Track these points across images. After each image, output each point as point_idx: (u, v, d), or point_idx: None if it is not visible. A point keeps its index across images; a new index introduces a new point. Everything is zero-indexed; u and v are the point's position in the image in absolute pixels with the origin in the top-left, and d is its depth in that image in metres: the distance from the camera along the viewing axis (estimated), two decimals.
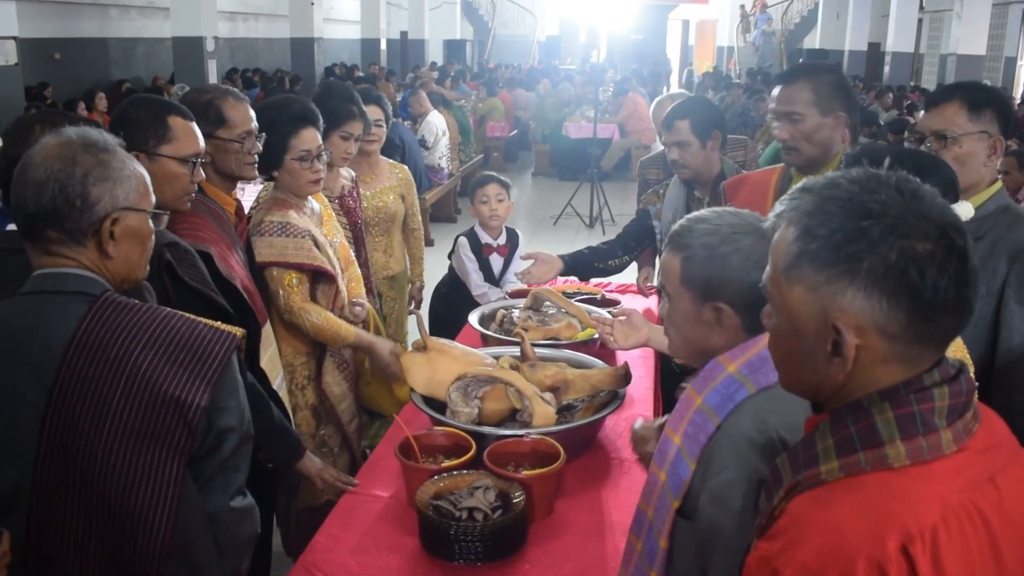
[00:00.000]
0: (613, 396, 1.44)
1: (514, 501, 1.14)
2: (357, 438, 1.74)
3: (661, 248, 2.00)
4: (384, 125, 2.15)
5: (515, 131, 8.24)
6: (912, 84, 9.94)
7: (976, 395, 0.61)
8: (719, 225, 0.83)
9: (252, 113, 1.45)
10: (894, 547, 0.53)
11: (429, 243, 4.62)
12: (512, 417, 1.39)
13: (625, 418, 1.52)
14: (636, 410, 1.57)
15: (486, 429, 1.33)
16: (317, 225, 1.67)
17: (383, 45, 11.29)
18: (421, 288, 2.37)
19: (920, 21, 11.29)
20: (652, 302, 2.30)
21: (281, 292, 1.57)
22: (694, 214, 0.87)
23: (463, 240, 2.19)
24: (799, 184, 0.63)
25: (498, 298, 2.07)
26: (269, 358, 1.44)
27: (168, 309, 0.91)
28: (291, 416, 1.47)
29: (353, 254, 1.85)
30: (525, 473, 1.21)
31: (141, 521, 0.85)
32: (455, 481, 1.19)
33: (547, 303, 1.85)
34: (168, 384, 0.85)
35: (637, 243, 2.12)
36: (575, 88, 8.27)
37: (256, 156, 1.45)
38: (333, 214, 1.83)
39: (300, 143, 1.57)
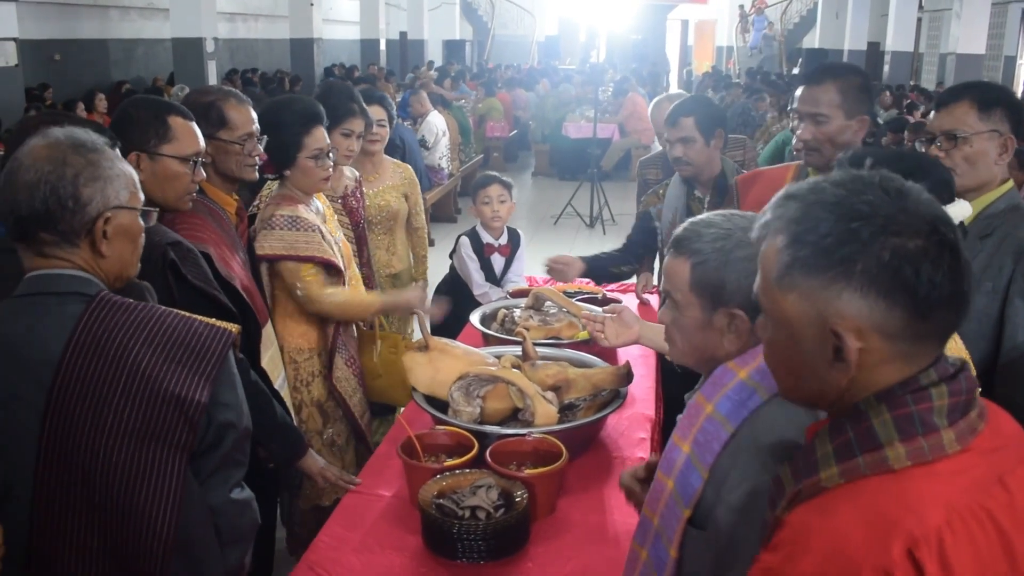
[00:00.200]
0: (615, 395, 1.44)
1: (516, 500, 1.14)
2: (369, 432, 1.75)
3: (663, 249, 2.00)
4: (387, 125, 2.16)
5: (515, 131, 8.25)
6: (911, 83, 9.94)
7: (978, 393, 0.60)
8: (730, 229, 0.81)
9: (254, 115, 1.46)
10: (900, 552, 0.52)
11: (430, 243, 4.62)
12: (514, 416, 1.39)
13: (627, 417, 1.52)
14: (637, 409, 1.57)
15: (488, 428, 1.33)
16: (322, 223, 1.68)
17: (382, 46, 11.29)
18: (425, 287, 2.38)
19: (919, 20, 11.29)
20: (652, 301, 2.31)
21: (299, 285, 1.57)
22: (699, 217, 0.85)
23: (464, 240, 2.20)
24: (782, 192, 0.62)
25: (499, 298, 2.07)
26: (270, 358, 1.44)
27: (163, 307, 0.92)
28: (293, 415, 1.47)
29: (355, 253, 1.86)
30: (527, 472, 1.21)
31: (144, 519, 0.86)
32: (458, 480, 1.19)
33: (548, 303, 1.85)
34: (168, 382, 0.85)
35: (645, 249, 2.14)
36: (575, 88, 8.28)
37: (257, 158, 1.45)
38: (334, 213, 1.83)
39: (313, 141, 1.59)
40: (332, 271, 1.62)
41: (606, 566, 1.09)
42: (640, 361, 1.75)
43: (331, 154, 1.63)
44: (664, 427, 1.67)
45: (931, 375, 0.58)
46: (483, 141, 7.31)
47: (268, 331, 1.45)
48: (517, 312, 1.86)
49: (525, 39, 15.66)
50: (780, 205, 0.61)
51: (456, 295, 2.16)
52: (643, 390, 1.65)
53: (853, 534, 0.54)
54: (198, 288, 1.18)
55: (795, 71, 12.31)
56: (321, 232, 1.60)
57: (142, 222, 0.93)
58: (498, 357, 1.49)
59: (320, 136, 1.60)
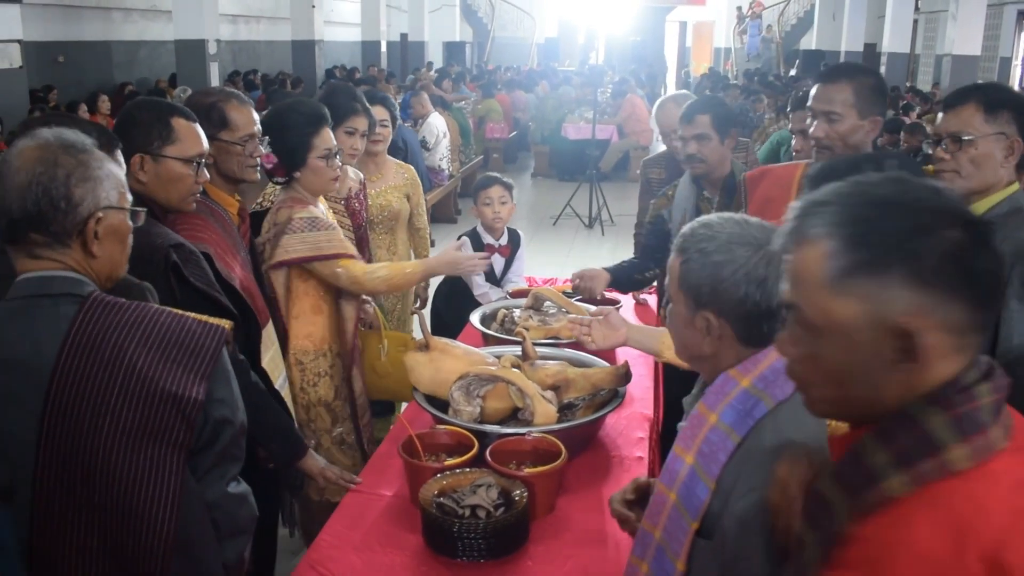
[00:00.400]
0: (613, 394, 1.45)
1: (516, 499, 1.15)
2: (369, 433, 1.76)
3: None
4: (390, 125, 2.17)
5: (514, 132, 8.26)
6: (908, 85, 9.96)
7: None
8: (718, 233, 0.81)
9: (255, 116, 1.47)
10: (982, 556, 0.52)
11: (430, 243, 4.63)
12: (514, 416, 1.40)
13: (625, 416, 1.53)
14: (636, 408, 1.58)
15: (488, 427, 1.34)
16: None
17: (383, 47, 11.30)
18: (427, 287, 2.39)
19: (916, 22, 11.32)
20: (650, 302, 2.32)
21: (339, 271, 1.58)
22: (702, 218, 0.85)
23: (465, 240, 2.20)
24: (807, 200, 0.60)
25: (499, 298, 2.08)
26: (271, 358, 1.45)
27: (155, 306, 0.92)
28: (293, 415, 1.48)
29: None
30: (527, 471, 1.22)
31: (145, 519, 0.86)
32: (458, 479, 1.20)
33: (548, 302, 1.86)
34: (164, 381, 0.86)
35: (664, 253, 2.10)
36: (574, 90, 8.29)
37: (258, 159, 1.47)
38: (335, 215, 1.84)
39: (322, 142, 1.60)
40: None
41: (605, 564, 1.10)
42: (639, 361, 1.75)
43: (339, 154, 1.64)
44: (664, 428, 1.68)
45: (974, 373, 0.57)
46: (483, 142, 7.32)
47: (268, 331, 1.45)
48: (517, 312, 1.87)
49: (525, 41, 15.67)
50: (811, 212, 0.59)
51: (456, 295, 2.17)
52: (642, 390, 1.66)
53: (938, 543, 0.53)
54: (200, 290, 1.18)
55: (792, 72, 12.33)
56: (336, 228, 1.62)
57: (130, 222, 0.93)
58: (498, 357, 1.50)
59: (328, 136, 1.61)
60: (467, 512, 1.13)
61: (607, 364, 1.55)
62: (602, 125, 6.89)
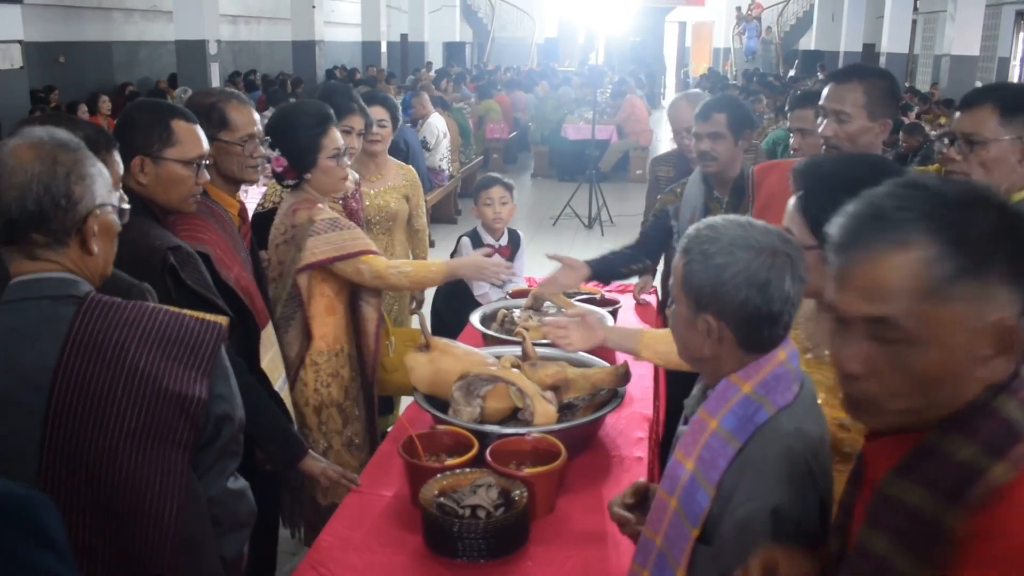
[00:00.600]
0: (613, 394, 1.45)
1: (516, 499, 1.15)
2: (380, 431, 1.78)
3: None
4: (388, 126, 2.16)
5: (514, 133, 8.26)
6: (906, 85, 9.97)
7: None
8: (721, 235, 0.81)
9: (256, 116, 1.47)
10: None
11: (430, 244, 4.62)
12: (514, 416, 1.40)
13: (625, 416, 1.53)
14: (636, 408, 1.58)
15: (488, 428, 1.34)
16: None
17: (383, 48, 11.31)
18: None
19: (914, 22, 11.33)
20: (651, 302, 2.32)
21: (362, 268, 1.58)
22: (707, 220, 0.85)
23: (465, 240, 2.21)
24: (867, 208, 0.57)
25: (499, 298, 2.08)
26: (270, 360, 1.45)
27: (152, 304, 0.92)
28: (293, 417, 1.48)
29: None
30: (527, 471, 1.22)
31: (151, 519, 0.86)
32: (458, 479, 1.20)
33: (547, 303, 1.87)
34: (167, 380, 0.86)
35: (660, 247, 2.09)
36: (574, 90, 8.30)
37: (259, 160, 1.47)
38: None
39: (330, 142, 1.60)
40: None
41: (605, 564, 1.11)
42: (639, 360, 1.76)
43: (347, 153, 1.64)
44: (665, 428, 1.69)
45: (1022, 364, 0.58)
46: (483, 143, 7.32)
47: (268, 333, 1.45)
48: (517, 312, 1.87)
49: (524, 41, 15.68)
50: (880, 217, 0.57)
51: (456, 295, 2.17)
52: (641, 389, 1.66)
53: None
54: (197, 293, 1.19)
55: (791, 73, 12.34)
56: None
57: (119, 220, 0.93)
58: (498, 357, 1.50)
59: (336, 136, 1.61)
60: (467, 512, 1.13)
61: (607, 364, 1.55)
62: (602, 125, 6.89)
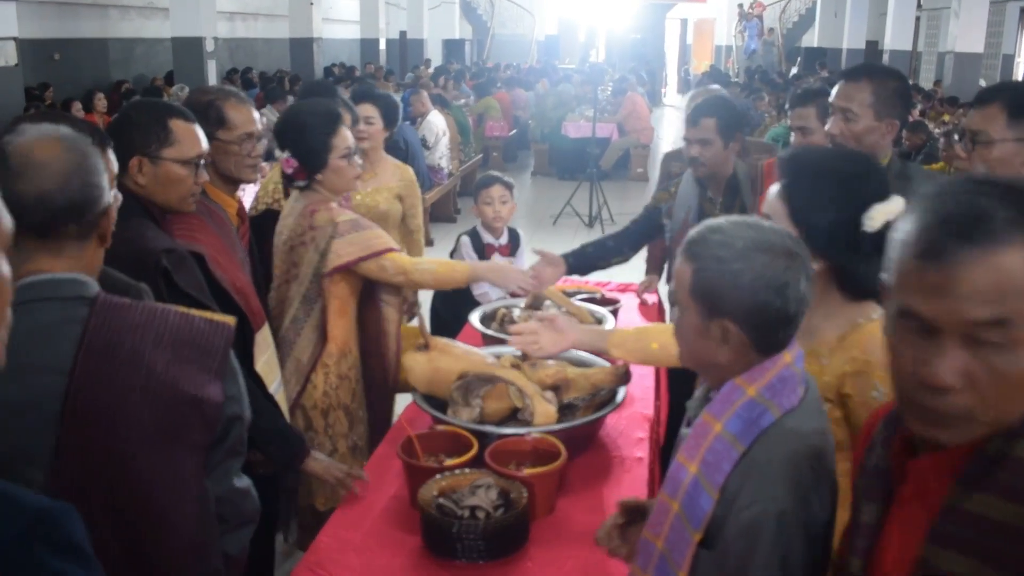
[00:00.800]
0: (613, 394, 1.44)
1: (516, 499, 1.15)
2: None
3: (674, 249, 1.98)
4: (377, 123, 2.13)
5: (514, 131, 8.24)
6: (910, 82, 9.95)
7: None
8: (733, 239, 0.78)
9: (255, 115, 1.46)
10: None
11: (429, 243, 4.63)
12: (513, 416, 1.39)
13: (625, 416, 1.53)
14: (636, 408, 1.58)
15: (488, 428, 1.33)
16: None
17: (382, 45, 11.29)
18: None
19: (918, 19, 11.30)
20: (652, 300, 2.32)
21: (386, 265, 1.57)
22: (711, 222, 0.83)
23: (465, 239, 2.20)
24: (967, 210, 0.54)
25: (499, 297, 2.08)
26: (265, 362, 1.44)
27: (160, 304, 0.92)
28: (288, 418, 1.47)
29: None
30: (527, 471, 1.22)
31: (167, 520, 0.86)
32: (457, 480, 1.20)
33: (547, 302, 1.86)
34: (183, 382, 0.85)
35: (643, 239, 2.08)
36: (574, 88, 8.28)
37: (257, 159, 1.45)
38: None
39: (341, 141, 1.58)
40: None
41: (605, 565, 1.10)
42: None
43: (358, 152, 1.63)
44: (668, 430, 1.68)
45: None
46: (482, 141, 7.31)
47: (264, 335, 1.44)
48: (516, 312, 1.86)
49: (525, 38, 15.65)
50: (983, 217, 0.54)
51: (456, 295, 2.17)
52: (642, 389, 1.65)
53: None
54: (189, 296, 1.17)
55: (794, 70, 12.30)
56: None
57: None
58: (498, 357, 1.49)
59: (346, 135, 1.60)
60: (467, 513, 1.13)
61: (607, 364, 1.54)
62: (602, 123, 6.88)
